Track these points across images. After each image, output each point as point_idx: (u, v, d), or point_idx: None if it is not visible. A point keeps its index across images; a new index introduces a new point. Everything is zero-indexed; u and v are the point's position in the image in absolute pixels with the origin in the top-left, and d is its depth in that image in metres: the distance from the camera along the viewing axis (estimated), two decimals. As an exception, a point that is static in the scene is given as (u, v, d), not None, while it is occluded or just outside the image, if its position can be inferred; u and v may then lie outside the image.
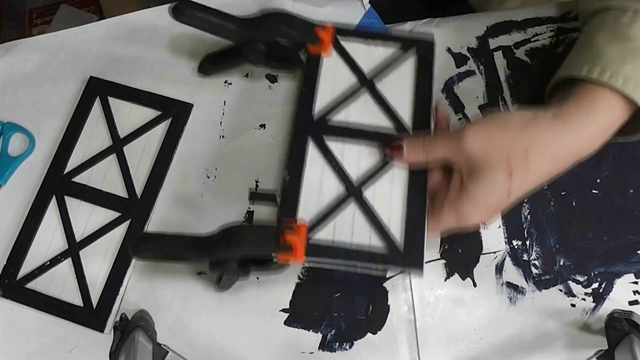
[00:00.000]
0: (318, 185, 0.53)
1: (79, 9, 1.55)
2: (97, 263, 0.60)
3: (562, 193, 0.57)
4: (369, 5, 0.66)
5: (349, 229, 0.51)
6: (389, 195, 0.52)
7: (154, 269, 0.60)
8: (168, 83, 0.66)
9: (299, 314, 0.57)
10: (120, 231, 0.60)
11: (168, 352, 0.53)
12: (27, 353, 0.58)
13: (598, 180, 0.57)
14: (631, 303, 0.54)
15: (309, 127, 0.55)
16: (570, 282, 0.55)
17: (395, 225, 0.51)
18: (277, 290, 0.58)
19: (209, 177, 0.62)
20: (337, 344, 0.56)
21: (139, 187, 0.62)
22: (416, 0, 0.82)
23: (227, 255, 0.50)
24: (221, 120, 0.64)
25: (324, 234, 0.51)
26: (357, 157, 0.54)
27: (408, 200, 0.52)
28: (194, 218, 0.61)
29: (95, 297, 0.59)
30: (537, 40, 0.63)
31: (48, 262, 0.60)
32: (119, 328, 0.53)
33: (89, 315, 0.58)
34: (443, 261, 0.56)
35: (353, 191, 0.53)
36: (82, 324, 0.58)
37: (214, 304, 0.58)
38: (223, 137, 0.63)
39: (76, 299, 0.59)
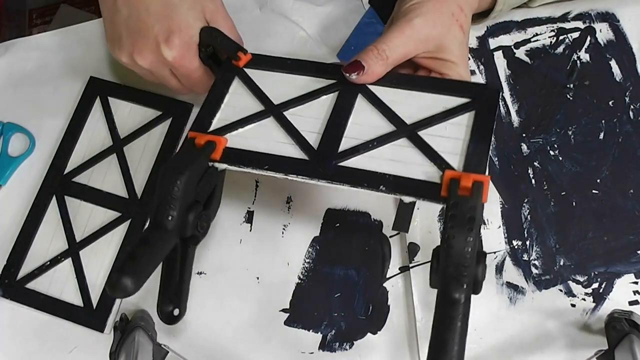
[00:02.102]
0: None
1: (79, 9, 1.55)
2: (97, 263, 0.60)
3: (562, 193, 0.57)
4: (369, 5, 0.66)
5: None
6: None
7: (154, 269, 0.60)
8: (168, 83, 0.66)
9: (299, 314, 0.57)
10: (120, 231, 0.60)
11: (168, 352, 0.53)
12: (27, 353, 0.58)
13: (598, 180, 0.57)
14: (631, 303, 0.54)
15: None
16: (570, 282, 0.55)
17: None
18: (277, 290, 0.58)
19: (209, 177, 0.62)
20: (337, 344, 0.56)
21: (139, 187, 0.62)
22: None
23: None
24: (221, 120, 0.64)
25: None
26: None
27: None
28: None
29: (95, 297, 0.58)
30: (537, 40, 0.63)
31: (48, 262, 0.60)
32: (119, 328, 0.53)
33: (89, 315, 0.58)
34: (443, 261, 0.56)
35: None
36: (82, 324, 0.58)
37: (214, 304, 0.58)
38: (223, 137, 0.63)
39: (76, 299, 0.59)
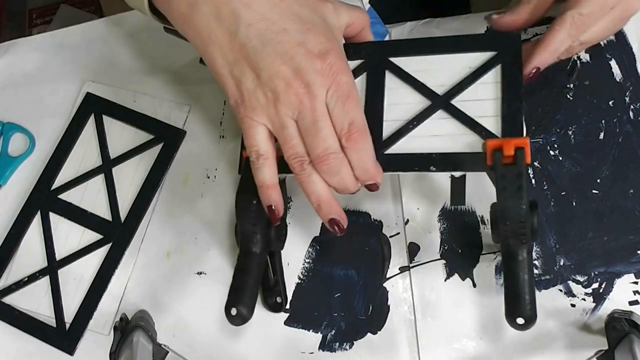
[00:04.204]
0: None
1: (79, 9, 1.55)
2: (74, 285, 0.59)
3: (562, 193, 0.57)
4: (369, 5, 0.66)
5: None
6: None
7: (154, 269, 0.60)
8: (168, 82, 0.66)
9: (299, 314, 0.57)
10: (100, 254, 0.60)
11: (168, 352, 0.53)
12: (27, 353, 0.58)
13: (598, 180, 0.57)
14: (631, 303, 0.54)
15: None
16: (570, 282, 0.55)
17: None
18: (277, 290, 0.58)
19: (209, 177, 0.62)
20: (337, 344, 0.56)
21: (123, 211, 0.61)
22: (416, 0, 0.82)
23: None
24: (221, 120, 0.64)
25: None
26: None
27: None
28: (194, 218, 0.61)
29: (68, 319, 0.58)
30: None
31: (26, 279, 0.60)
32: (119, 328, 0.53)
33: (61, 336, 0.58)
34: (443, 261, 0.56)
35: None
36: (53, 345, 0.58)
37: (214, 304, 0.58)
38: (223, 137, 0.63)
39: (50, 319, 0.59)
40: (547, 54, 0.49)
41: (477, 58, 0.50)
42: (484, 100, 0.49)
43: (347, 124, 0.46)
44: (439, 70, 0.51)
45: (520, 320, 0.46)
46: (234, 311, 0.49)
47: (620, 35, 0.61)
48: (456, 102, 0.49)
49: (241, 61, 0.46)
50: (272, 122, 0.47)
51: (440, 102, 0.50)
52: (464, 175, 0.50)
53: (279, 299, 0.56)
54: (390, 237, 0.58)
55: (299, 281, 0.58)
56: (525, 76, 0.50)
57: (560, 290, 0.55)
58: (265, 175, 0.49)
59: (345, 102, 0.46)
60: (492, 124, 0.48)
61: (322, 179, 0.48)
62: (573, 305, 0.54)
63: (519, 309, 0.46)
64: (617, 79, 0.60)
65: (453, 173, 0.49)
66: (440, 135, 0.49)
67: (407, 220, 0.58)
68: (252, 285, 0.50)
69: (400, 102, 0.50)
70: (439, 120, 0.49)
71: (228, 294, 0.50)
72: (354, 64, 0.51)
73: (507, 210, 0.45)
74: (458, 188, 0.52)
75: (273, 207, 0.49)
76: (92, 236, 0.61)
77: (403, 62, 0.51)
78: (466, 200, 0.51)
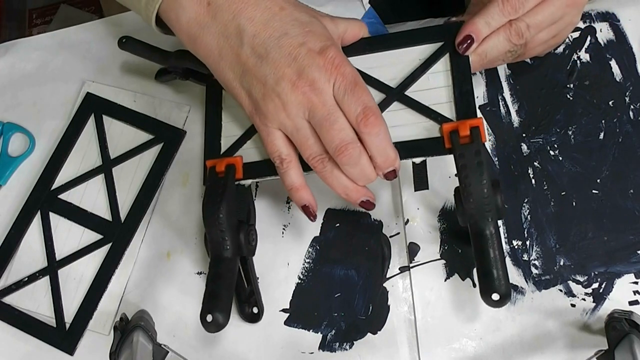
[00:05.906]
0: None
1: (79, 9, 1.55)
2: (74, 285, 0.59)
3: (562, 193, 0.57)
4: (369, 5, 0.66)
5: None
6: None
7: (154, 269, 0.60)
8: (168, 83, 0.66)
9: (299, 314, 0.57)
10: (100, 254, 0.60)
11: (168, 352, 0.53)
12: (27, 353, 0.58)
13: (598, 180, 0.57)
14: (631, 303, 0.54)
15: None
16: (570, 282, 0.55)
17: None
18: (277, 290, 0.58)
19: (209, 177, 0.62)
20: (337, 344, 0.56)
21: (123, 211, 0.61)
22: (416, 1, 0.82)
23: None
24: (221, 120, 0.64)
25: None
26: None
27: None
28: (194, 218, 0.61)
29: (68, 319, 0.58)
30: (537, 40, 0.63)
31: (26, 279, 0.60)
32: (119, 328, 0.53)
33: (61, 336, 0.58)
34: (443, 261, 0.56)
35: None
36: (53, 345, 0.58)
37: (214, 304, 0.58)
38: (223, 137, 0.63)
39: (50, 319, 0.59)
40: (479, 24, 0.50)
41: (426, 49, 0.52)
42: (436, 89, 0.51)
43: (360, 109, 0.46)
44: (391, 65, 0.53)
45: (495, 296, 0.46)
46: (209, 318, 0.49)
47: (620, 35, 0.61)
48: (410, 92, 0.51)
49: (248, 72, 0.48)
50: (285, 127, 0.48)
51: (395, 94, 0.51)
52: (425, 161, 0.52)
53: (255, 310, 0.56)
54: (390, 237, 0.58)
55: (299, 281, 0.58)
56: (458, 46, 0.51)
57: (560, 290, 0.55)
58: (293, 178, 0.50)
59: (354, 89, 0.46)
60: (447, 109, 0.50)
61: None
62: (573, 305, 0.54)
63: (493, 285, 0.46)
64: (617, 79, 0.60)
65: (414, 160, 0.50)
66: (398, 125, 0.50)
67: (407, 220, 0.58)
68: (226, 291, 0.50)
69: None
70: (395, 111, 0.51)
71: (202, 301, 0.50)
72: None
73: (469, 187, 0.46)
74: (420, 174, 0.55)
75: (308, 206, 0.51)
76: (92, 236, 0.61)
77: (356, 61, 0.52)
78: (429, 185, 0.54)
